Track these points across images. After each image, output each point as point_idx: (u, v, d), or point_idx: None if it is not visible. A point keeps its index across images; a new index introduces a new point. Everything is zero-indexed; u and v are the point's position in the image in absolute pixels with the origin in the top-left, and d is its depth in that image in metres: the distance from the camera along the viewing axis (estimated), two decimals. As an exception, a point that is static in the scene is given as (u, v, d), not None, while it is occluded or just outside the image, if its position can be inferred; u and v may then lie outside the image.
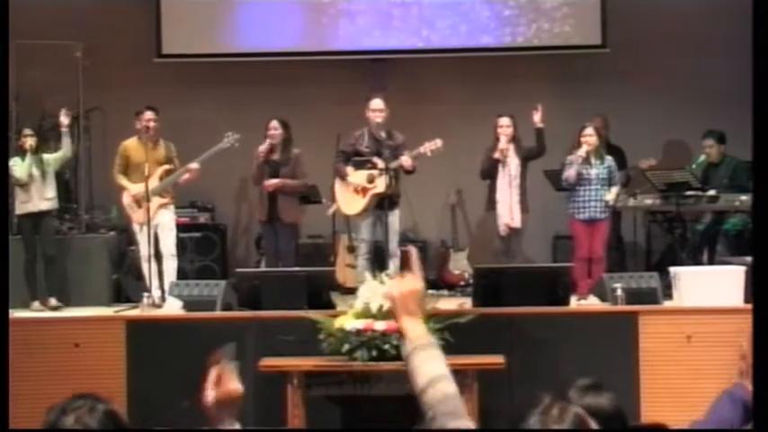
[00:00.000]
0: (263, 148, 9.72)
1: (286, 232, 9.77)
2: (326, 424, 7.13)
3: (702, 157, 10.20)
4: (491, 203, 9.58)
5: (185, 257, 10.57)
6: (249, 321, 7.70)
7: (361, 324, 6.75)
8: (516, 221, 9.46)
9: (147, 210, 9.36)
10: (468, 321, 7.01)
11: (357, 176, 9.43)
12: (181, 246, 10.03)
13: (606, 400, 2.57)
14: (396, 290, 2.75)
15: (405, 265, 2.90)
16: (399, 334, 2.73)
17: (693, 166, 10.15)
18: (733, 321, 7.42)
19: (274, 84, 11.50)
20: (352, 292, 7.58)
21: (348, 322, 6.82)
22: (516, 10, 11.51)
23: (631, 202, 10.06)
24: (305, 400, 6.89)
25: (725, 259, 9.20)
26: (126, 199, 9.64)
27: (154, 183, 9.50)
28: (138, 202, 9.50)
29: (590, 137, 9.35)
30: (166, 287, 8.98)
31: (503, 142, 9.50)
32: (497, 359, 6.98)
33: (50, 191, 9.69)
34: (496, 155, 9.49)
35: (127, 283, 10.16)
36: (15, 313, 8.17)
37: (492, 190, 9.57)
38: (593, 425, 2.36)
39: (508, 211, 9.43)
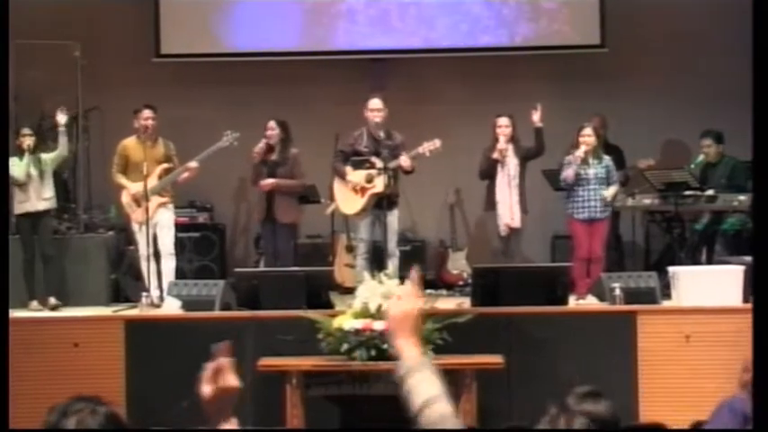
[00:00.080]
0: (258, 148, 9.73)
1: (284, 232, 9.78)
2: (325, 423, 7.13)
3: (701, 157, 10.21)
4: (490, 204, 9.57)
5: (184, 257, 10.58)
6: (248, 321, 7.70)
7: (359, 324, 6.76)
8: (516, 221, 9.46)
9: (146, 209, 9.36)
10: (467, 321, 7.02)
11: (356, 176, 9.42)
12: (179, 245, 10.03)
13: (604, 406, 2.58)
14: (394, 310, 2.77)
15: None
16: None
17: (692, 165, 10.15)
18: (731, 321, 7.43)
19: (273, 83, 11.49)
20: (350, 291, 7.60)
21: (347, 322, 6.83)
22: (515, 10, 11.50)
23: (630, 201, 10.07)
24: (304, 399, 6.90)
25: (723, 259, 9.21)
26: (125, 198, 9.64)
27: (153, 182, 9.50)
28: (137, 201, 9.49)
29: (588, 137, 9.35)
30: (165, 287, 8.97)
31: (501, 142, 9.50)
32: (496, 359, 6.99)
33: (48, 191, 9.69)
34: (495, 155, 9.49)
35: (125, 283, 10.15)
36: (14, 313, 8.16)
37: (491, 190, 9.57)
38: None
39: (508, 212, 9.43)
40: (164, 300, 8.79)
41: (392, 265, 8.99)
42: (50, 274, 9.69)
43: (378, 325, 6.68)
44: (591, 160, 9.37)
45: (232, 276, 9.17)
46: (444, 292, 10.37)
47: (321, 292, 8.01)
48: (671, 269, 8.40)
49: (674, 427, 6.50)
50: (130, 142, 9.70)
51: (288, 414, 6.90)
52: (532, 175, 9.89)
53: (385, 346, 6.60)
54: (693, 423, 5.79)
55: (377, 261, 9.25)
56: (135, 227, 9.61)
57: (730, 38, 10.92)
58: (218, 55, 11.60)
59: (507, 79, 11.49)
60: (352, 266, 10.08)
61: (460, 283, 10.67)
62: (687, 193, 9.74)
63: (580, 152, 9.29)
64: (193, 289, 8.39)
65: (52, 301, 9.52)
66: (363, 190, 9.41)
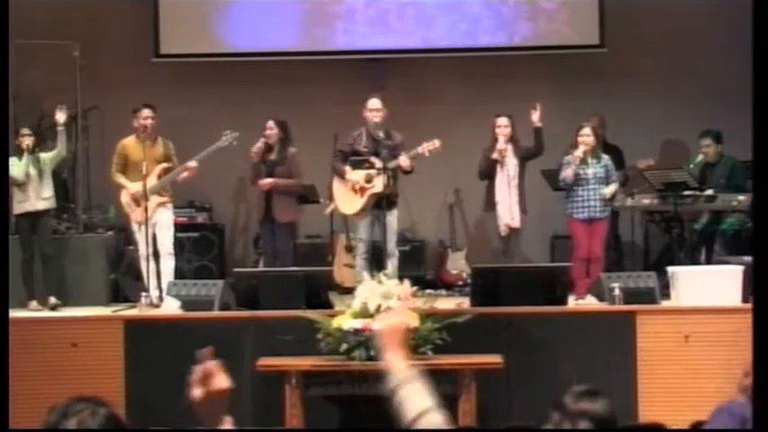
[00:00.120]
0: (256, 147, 9.73)
1: (283, 232, 9.78)
2: (324, 423, 7.13)
3: (700, 157, 10.21)
4: (490, 204, 9.57)
5: (183, 257, 10.58)
6: (247, 321, 7.70)
7: (358, 324, 6.76)
8: (516, 221, 9.46)
9: (145, 208, 9.35)
10: (467, 321, 7.02)
11: (355, 176, 9.42)
12: (179, 245, 10.03)
13: (601, 405, 2.59)
14: (383, 323, 2.79)
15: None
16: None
17: (691, 165, 10.15)
18: (731, 321, 7.44)
19: (273, 84, 11.50)
20: (349, 291, 7.60)
21: (346, 322, 6.83)
22: (514, 10, 11.51)
23: (629, 201, 10.07)
24: (303, 399, 6.90)
25: (722, 259, 9.21)
26: (124, 198, 9.64)
27: (152, 181, 9.50)
28: (136, 200, 9.49)
29: (587, 137, 9.35)
30: (164, 287, 8.97)
31: (501, 142, 9.50)
32: (495, 359, 6.99)
33: (47, 190, 9.69)
34: (495, 155, 9.49)
35: (125, 283, 10.14)
36: (13, 313, 8.15)
37: (490, 190, 9.56)
38: None
39: (508, 212, 9.43)
40: (163, 300, 8.79)
41: (391, 265, 8.99)
42: (50, 274, 9.68)
43: (377, 325, 6.67)
44: (590, 160, 9.37)
45: (231, 276, 9.16)
46: (444, 292, 10.36)
47: (320, 292, 8.01)
48: (670, 269, 8.40)
49: (674, 428, 6.50)
50: (130, 142, 9.70)
51: (287, 414, 6.90)
52: (532, 176, 9.89)
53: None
54: (693, 423, 5.79)
55: (376, 261, 9.25)
56: (134, 227, 9.61)
57: (729, 38, 10.92)
58: (217, 55, 11.60)
59: (506, 79, 11.49)
60: (351, 266, 10.09)
61: (460, 283, 10.67)
62: (686, 193, 9.74)
63: (579, 152, 9.30)
64: (192, 289, 8.39)
65: (52, 300, 9.51)
66: (363, 190, 9.40)
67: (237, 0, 11.56)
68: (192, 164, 9.62)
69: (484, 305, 7.83)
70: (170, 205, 9.73)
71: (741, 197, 9.50)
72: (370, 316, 6.74)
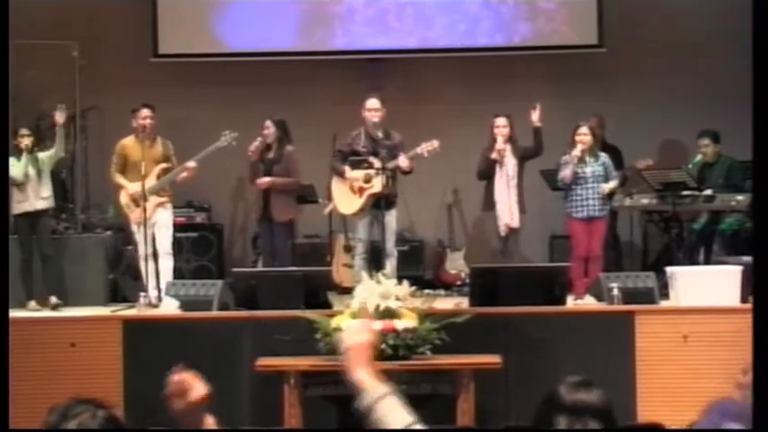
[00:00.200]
0: (253, 146, 9.73)
1: (281, 231, 9.77)
2: (323, 424, 7.12)
3: (698, 157, 10.22)
4: (488, 204, 9.57)
5: (182, 257, 10.57)
6: (246, 321, 7.69)
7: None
8: (515, 221, 9.46)
9: (144, 209, 9.35)
10: (465, 321, 7.02)
11: (354, 176, 9.42)
12: (177, 245, 10.03)
13: (596, 396, 2.59)
14: (349, 340, 2.78)
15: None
16: (355, 385, 2.74)
17: (689, 165, 10.16)
18: (729, 321, 7.43)
19: (271, 84, 11.49)
20: (348, 291, 7.59)
21: (345, 322, 6.82)
22: (513, 10, 11.51)
23: (628, 201, 10.08)
24: (301, 399, 6.89)
25: (721, 259, 9.21)
26: (123, 198, 9.64)
27: (151, 181, 9.50)
28: (135, 201, 9.49)
29: (584, 136, 9.36)
30: (163, 287, 8.97)
31: (499, 143, 9.50)
32: (494, 359, 6.98)
33: (46, 190, 9.69)
34: (493, 155, 9.49)
35: (123, 283, 10.15)
36: (12, 313, 8.15)
37: (489, 190, 9.57)
38: None
39: (507, 212, 9.44)
40: (162, 300, 8.78)
41: (390, 265, 9.00)
42: (49, 273, 9.68)
43: (376, 325, 6.68)
44: (587, 158, 9.38)
45: (230, 276, 9.15)
46: (442, 291, 10.38)
47: (319, 291, 8.01)
48: (669, 269, 8.40)
49: (672, 427, 6.50)
50: (129, 142, 9.70)
51: (286, 414, 6.89)
52: (530, 175, 9.90)
53: (383, 345, 6.60)
54: (691, 423, 5.78)
55: (375, 261, 9.25)
56: (134, 227, 9.61)
57: (728, 38, 10.93)
58: (216, 55, 11.60)
59: (505, 79, 11.50)
60: (350, 266, 10.09)
61: (458, 282, 10.68)
62: (685, 192, 9.75)
63: (576, 151, 9.31)
64: (191, 289, 8.39)
65: (53, 300, 9.52)
66: (361, 190, 9.41)
67: (236, 0, 11.57)
68: (192, 164, 9.62)
69: (482, 305, 7.82)
70: (169, 205, 9.72)
71: (739, 197, 9.50)
72: (369, 316, 6.74)
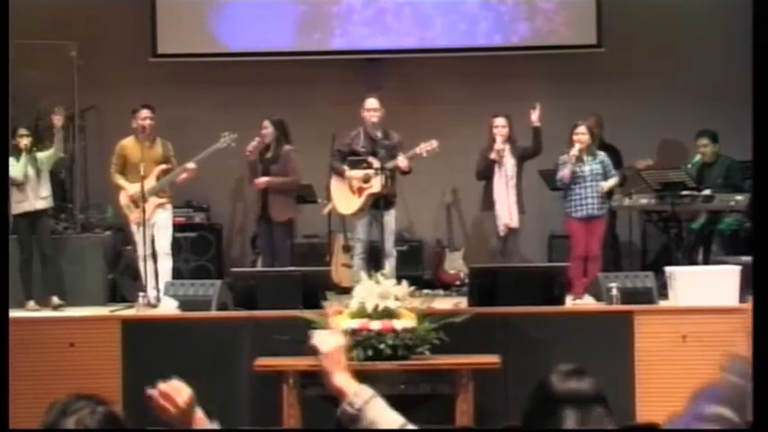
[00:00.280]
0: (251, 146, 9.73)
1: (280, 230, 9.77)
2: (322, 424, 7.11)
3: (697, 157, 10.22)
4: (487, 204, 9.58)
5: (181, 257, 10.57)
6: (244, 321, 7.69)
7: (356, 324, 6.75)
8: (514, 221, 9.46)
9: (143, 210, 9.35)
10: (464, 321, 7.01)
11: (353, 175, 9.42)
12: (176, 245, 10.02)
13: (588, 384, 2.60)
14: (323, 347, 2.77)
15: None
16: (337, 391, 2.75)
17: (688, 165, 10.16)
18: (728, 321, 7.42)
19: (270, 84, 11.49)
20: (347, 291, 7.58)
21: (344, 322, 6.82)
22: (512, 9, 11.51)
23: (627, 201, 10.08)
24: (300, 399, 6.89)
25: (720, 259, 9.21)
26: (123, 199, 9.63)
27: (151, 182, 9.50)
28: (135, 202, 9.49)
29: (582, 135, 9.37)
30: (162, 287, 8.97)
31: (498, 143, 9.50)
32: (493, 359, 6.98)
33: (45, 189, 9.69)
34: (492, 155, 9.49)
35: (122, 283, 10.15)
36: (11, 313, 8.14)
37: (488, 190, 9.57)
38: None
39: (506, 212, 9.44)
40: (161, 300, 8.78)
41: (389, 265, 9.00)
42: (48, 273, 9.68)
43: (374, 325, 6.68)
44: (585, 157, 9.39)
45: (229, 276, 9.16)
46: (441, 291, 10.38)
47: (318, 292, 7.99)
48: (668, 269, 8.40)
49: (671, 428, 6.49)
50: (129, 142, 9.69)
51: (284, 414, 6.89)
52: (529, 175, 9.90)
53: (382, 346, 6.60)
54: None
55: (374, 261, 9.25)
56: (133, 227, 9.61)
57: (727, 38, 10.93)
58: (214, 55, 11.59)
59: (504, 79, 11.50)
60: (349, 266, 10.08)
61: (457, 282, 10.67)
62: (684, 192, 9.75)
63: (574, 150, 9.31)
64: (190, 289, 8.39)
65: (55, 300, 9.52)
66: (360, 190, 9.41)
67: (235, 0, 11.56)
68: (191, 165, 9.62)
69: (481, 305, 7.82)
70: (168, 206, 9.72)
71: (738, 197, 9.50)
72: (368, 316, 6.74)
